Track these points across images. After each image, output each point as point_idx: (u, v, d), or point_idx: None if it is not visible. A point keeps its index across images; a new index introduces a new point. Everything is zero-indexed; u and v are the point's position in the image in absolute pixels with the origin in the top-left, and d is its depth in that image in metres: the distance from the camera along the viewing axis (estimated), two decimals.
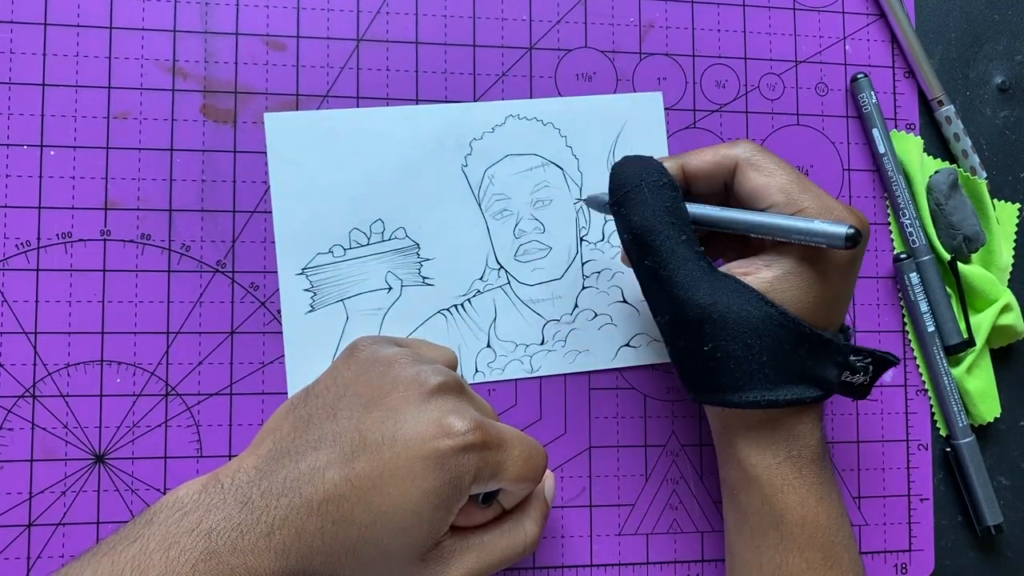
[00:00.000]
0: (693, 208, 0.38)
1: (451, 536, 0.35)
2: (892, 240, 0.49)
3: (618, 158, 0.47)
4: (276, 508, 0.32)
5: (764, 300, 0.36)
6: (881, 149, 0.48)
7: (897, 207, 0.49)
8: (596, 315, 0.46)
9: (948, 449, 0.49)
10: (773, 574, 0.37)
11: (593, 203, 0.42)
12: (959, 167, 0.50)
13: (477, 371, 0.45)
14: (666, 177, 0.38)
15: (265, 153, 0.44)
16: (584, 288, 0.46)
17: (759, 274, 0.37)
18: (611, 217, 0.42)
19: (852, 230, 0.34)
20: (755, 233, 0.37)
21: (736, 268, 0.37)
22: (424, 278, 0.45)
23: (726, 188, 0.39)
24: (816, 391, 0.37)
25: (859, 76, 0.49)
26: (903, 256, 0.48)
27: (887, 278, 0.49)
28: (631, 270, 0.41)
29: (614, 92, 0.47)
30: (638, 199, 0.38)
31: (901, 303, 0.49)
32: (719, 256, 0.42)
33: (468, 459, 0.33)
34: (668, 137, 0.47)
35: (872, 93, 0.48)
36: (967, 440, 0.48)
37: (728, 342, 0.36)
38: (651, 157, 0.39)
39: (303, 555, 0.31)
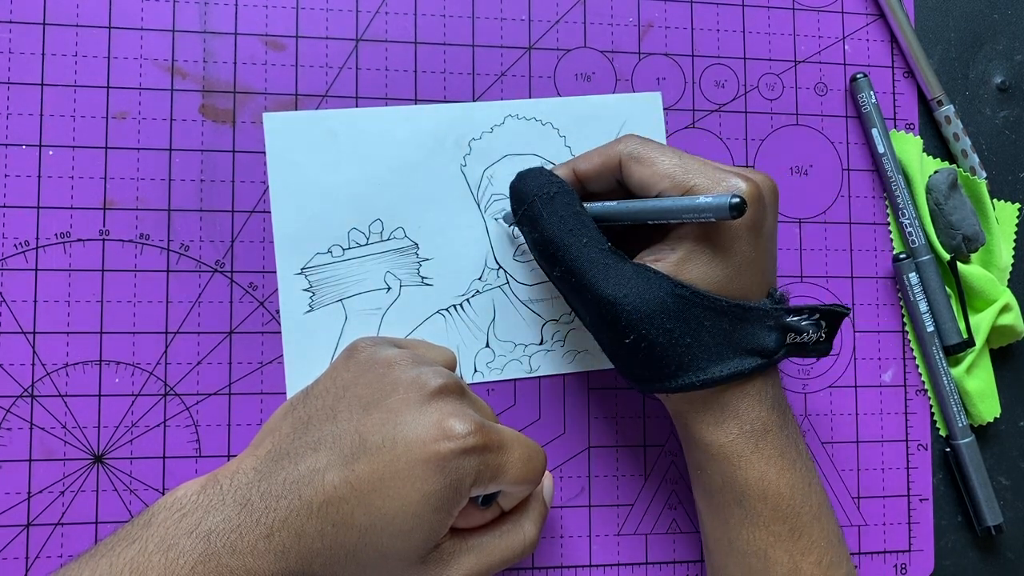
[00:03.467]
0: (590, 206, 0.39)
1: (450, 538, 0.35)
2: (891, 240, 0.49)
3: None
4: (275, 510, 0.31)
5: (673, 282, 0.36)
6: (880, 149, 0.48)
7: (896, 207, 0.49)
8: None
9: (948, 449, 0.49)
10: (743, 550, 0.37)
11: (508, 220, 0.44)
12: (958, 167, 0.50)
13: (476, 371, 0.45)
14: (557, 186, 0.39)
15: (264, 153, 0.44)
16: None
17: (667, 258, 0.37)
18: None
19: (736, 199, 0.34)
20: (648, 220, 0.38)
21: (645, 256, 0.38)
22: (423, 278, 0.45)
23: (622, 185, 0.40)
24: (754, 360, 0.37)
25: (858, 76, 0.49)
26: (902, 256, 0.48)
27: (886, 278, 0.49)
28: None
29: (613, 92, 0.47)
30: (534, 213, 0.39)
31: (900, 303, 0.49)
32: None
33: (469, 462, 0.33)
34: (667, 137, 0.47)
35: (871, 93, 0.48)
36: (966, 440, 0.48)
37: (648, 330, 0.36)
38: (541, 168, 0.41)
39: (302, 557, 0.31)
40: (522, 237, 0.44)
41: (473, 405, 0.37)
